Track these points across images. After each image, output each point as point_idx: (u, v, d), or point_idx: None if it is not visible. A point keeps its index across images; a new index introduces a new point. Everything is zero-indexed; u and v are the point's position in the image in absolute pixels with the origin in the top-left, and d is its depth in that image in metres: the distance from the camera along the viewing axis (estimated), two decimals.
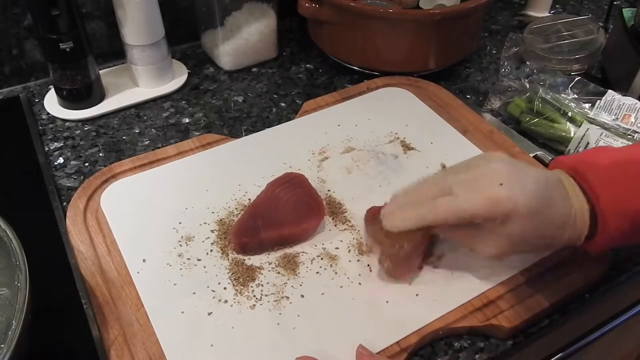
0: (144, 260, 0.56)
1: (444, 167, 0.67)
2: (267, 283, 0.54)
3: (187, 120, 0.76)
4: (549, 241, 0.50)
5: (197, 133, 0.74)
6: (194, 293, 0.53)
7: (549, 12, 0.97)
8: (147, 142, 0.73)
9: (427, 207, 0.49)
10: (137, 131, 0.74)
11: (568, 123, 0.71)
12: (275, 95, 0.81)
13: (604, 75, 0.84)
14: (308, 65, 0.87)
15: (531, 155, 0.69)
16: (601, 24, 0.90)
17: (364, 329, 0.51)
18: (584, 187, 0.49)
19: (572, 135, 0.70)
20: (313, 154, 0.68)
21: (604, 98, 0.73)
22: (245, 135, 0.73)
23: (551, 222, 0.48)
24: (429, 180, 0.52)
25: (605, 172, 0.48)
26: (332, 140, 0.70)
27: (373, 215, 0.56)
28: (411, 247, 0.52)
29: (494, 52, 0.91)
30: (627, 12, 0.80)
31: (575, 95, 0.75)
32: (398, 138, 0.71)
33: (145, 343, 0.50)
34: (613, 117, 0.71)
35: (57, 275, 0.55)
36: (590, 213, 0.48)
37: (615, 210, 0.47)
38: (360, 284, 0.54)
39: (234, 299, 0.53)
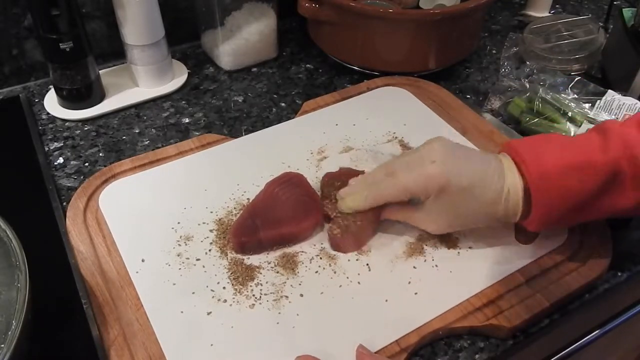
0: (143, 260, 0.56)
1: None
2: (267, 282, 0.54)
3: (187, 120, 0.76)
4: (482, 217, 0.54)
5: (197, 133, 0.74)
6: (193, 293, 0.53)
7: (549, 12, 0.97)
8: (147, 142, 0.73)
9: (373, 188, 0.55)
10: (137, 131, 0.74)
11: (568, 123, 0.71)
12: (275, 95, 0.81)
13: (604, 75, 0.84)
14: (308, 65, 0.87)
15: None
16: (601, 24, 0.90)
17: (363, 328, 0.51)
18: (517, 162, 0.52)
19: (572, 135, 0.69)
20: (312, 153, 0.68)
21: (604, 98, 0.72)
22: (245, 135, 0.73)
23: (483, 198, 0.52)
24: (380, 166, 0.57)
25: (535, 145, 0.52)
26: (330, 140, 0.70)
27: (329, 181, 0.61)
28: (364, 224, 0.56)
29: (494, 52, 0.91)
30: (627, 12, 0.80)
31: (575, 95, 0.75)
32: (396, 137, 0.71)
33: (145, 343, 0.50)
34: (613, 117, 0.71)
35: (57, 275, 0.55)
36: (525, 190, 0.51)
37: (542, 182, 0.50)
38: (359, 283, 0.54)
39: (233, 298, 0.53)
